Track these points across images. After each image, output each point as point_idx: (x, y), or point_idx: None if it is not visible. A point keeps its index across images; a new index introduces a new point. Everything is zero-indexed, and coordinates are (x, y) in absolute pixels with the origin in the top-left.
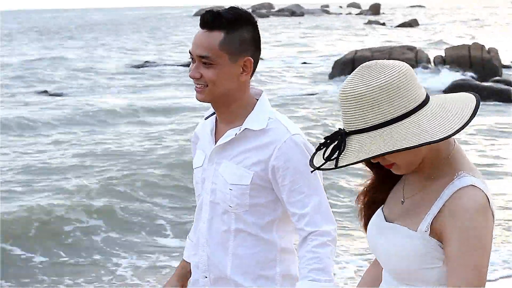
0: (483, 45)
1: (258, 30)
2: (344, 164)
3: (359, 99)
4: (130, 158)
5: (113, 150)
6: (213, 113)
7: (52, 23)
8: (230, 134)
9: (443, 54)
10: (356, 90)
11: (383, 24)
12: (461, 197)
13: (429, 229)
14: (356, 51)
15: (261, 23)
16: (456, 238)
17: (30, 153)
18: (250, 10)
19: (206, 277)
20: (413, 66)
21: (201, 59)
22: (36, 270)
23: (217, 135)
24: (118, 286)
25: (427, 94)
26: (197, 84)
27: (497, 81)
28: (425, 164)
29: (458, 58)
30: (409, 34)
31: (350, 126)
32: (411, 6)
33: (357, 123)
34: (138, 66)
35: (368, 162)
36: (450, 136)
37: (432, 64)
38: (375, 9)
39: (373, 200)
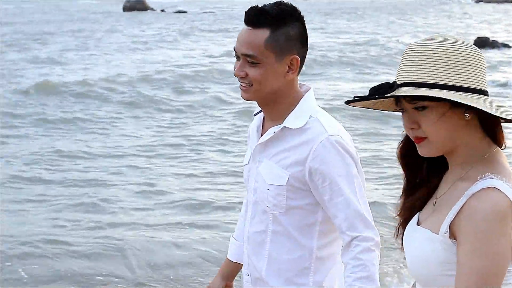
0: None
1: (305, 26)
2: (389, 95)
3: (441, 54)
4: None
5: None
6: (260, 110)
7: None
8: (270, 132)
9: None
10: (443, 45)
11: None
12: (479, 199)
13: (448, 231)
14: None
15: None
16: (467, 242)
17: None
18: None
19: (248, 275)
20: None
21: (246, 58)
22: None
23: (262, 132)
24: None
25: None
26: (242, 82)
27: None
28: (458, 160)
29: None
30: None
31: (410, 77)
32: None
33: (424, 76)
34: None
35: (405, 163)
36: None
37: None
38: None
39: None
